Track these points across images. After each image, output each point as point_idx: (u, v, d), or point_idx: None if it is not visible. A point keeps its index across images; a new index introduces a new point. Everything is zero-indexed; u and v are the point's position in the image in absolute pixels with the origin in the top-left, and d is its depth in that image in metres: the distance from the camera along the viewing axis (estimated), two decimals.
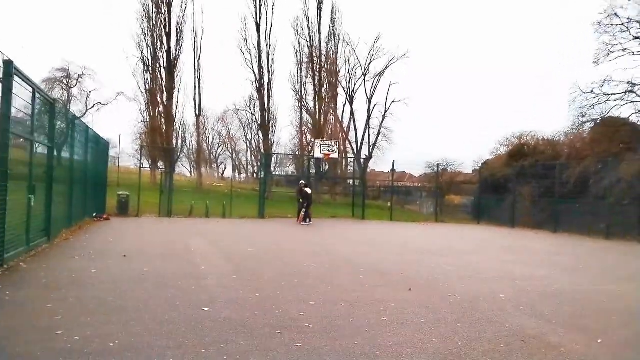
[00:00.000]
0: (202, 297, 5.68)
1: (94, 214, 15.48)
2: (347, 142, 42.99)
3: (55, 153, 9.82)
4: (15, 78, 6.77)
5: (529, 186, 23.72)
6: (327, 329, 4.65)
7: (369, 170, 33.80)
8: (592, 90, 22.39)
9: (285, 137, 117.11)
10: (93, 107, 45.29)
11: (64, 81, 42.59)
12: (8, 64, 6.48)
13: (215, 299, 5.58)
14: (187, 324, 4.60)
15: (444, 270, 8.48)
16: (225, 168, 76.85)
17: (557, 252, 12.54)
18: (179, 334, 4.32)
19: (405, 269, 8.42)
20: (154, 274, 6.90)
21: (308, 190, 18.96)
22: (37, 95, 8.13)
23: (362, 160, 33.49)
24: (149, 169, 37.80)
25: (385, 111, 44.34)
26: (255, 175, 68.19)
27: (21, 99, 7.29)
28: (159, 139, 34.73)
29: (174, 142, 37.06)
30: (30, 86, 7.74)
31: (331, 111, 41.17)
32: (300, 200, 18.80)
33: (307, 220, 18.50)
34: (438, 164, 28.76)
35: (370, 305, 5.63)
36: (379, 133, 44.22)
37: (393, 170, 25.50)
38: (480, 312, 5.61)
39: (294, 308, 5.36)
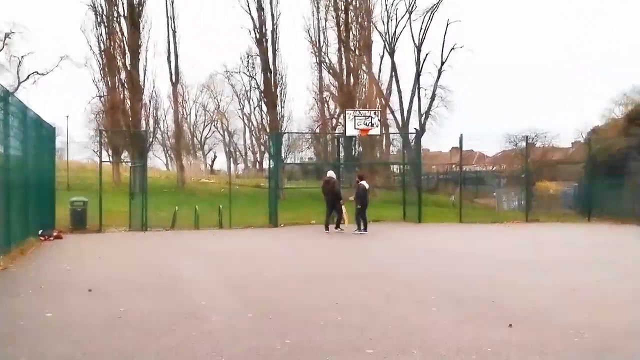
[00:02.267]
0: (207, 348, 5.54)
1: (40, 231, 15.55)
2: (388, 111, 42.60)
3: None
4: None
5: None
6: None
7: (421, 150, 33.19)
8: None
9: (298, 109, 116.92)
10: (27, 78, 46.12)
11: None
12: None
13: (228, 352, 5.43)
14: None
15: (554, 294, 8.25)
16: (216, 157, 77.60)
17: None
18: None
19: (496, 294, 8.22)
20: (136, 316, 6.82)
21: (365, 185, 18.76)
22: None
23: (411, 136, 32.87)
24: (109, 163, 38.25)
25: (442, 63, 43.60)
26: (257, 164, 68.58)
27: None
28: (122, 119, 34.96)
29: (143, 123, 37.32)
30: None
31: (363, 67, 40.82)
32: (357, 200, 18.51)
33: (362, 228, 18.39)
34: (527, 136, 28.06)
35: (456, 354, 5.39)
36: (433, 96, 43.59)
37: (461, 147, 24.70)
38: (624, 358, 5.33)
39: None
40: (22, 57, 44.96)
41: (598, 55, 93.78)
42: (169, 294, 8.33)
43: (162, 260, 12.07)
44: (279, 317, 6.80)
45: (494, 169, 46.24)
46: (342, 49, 39.89)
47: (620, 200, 23.83)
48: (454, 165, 44.62)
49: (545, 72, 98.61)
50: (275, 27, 38.40)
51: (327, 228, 18.77)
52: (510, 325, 6.39)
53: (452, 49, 43.59)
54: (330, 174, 19.64)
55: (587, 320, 6.64)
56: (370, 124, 22.61)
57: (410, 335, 6.02)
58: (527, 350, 5.52)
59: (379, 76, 43.80)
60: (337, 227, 18.90)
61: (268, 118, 39.86)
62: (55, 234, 16.42)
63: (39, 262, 11.48)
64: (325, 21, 41.13)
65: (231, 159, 61.23)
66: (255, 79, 43.91)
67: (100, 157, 24.18)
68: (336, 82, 40.38)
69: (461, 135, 23.19)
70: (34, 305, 7.44)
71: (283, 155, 26.77)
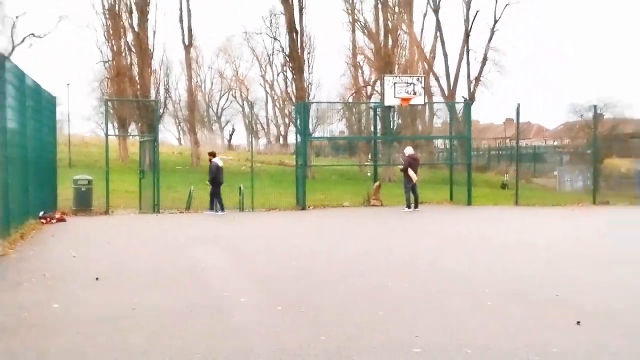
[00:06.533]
0: (233, 346, 5.63)
1: (41, 213, 15.85)
2: (432, 77, 42.32)
3: None
4: None
5: None
6: None
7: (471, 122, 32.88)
8: None
9: (328, 76, 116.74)
10: (23, 41, 46.83)
11: None
12: None
13: (256, 350, 5.51)
14: None
15: (626, 288, 8.23)
16: (234, 130, 78.03)
17: None
18: None
19: (561, 289, 8.15)
20: (150, 309, 6.94)
21: (217, 162, 19.81)
22: None
23: (459, 106, 32.69)
24: (116, 138, 38.71)
25: (496, 21, 43.61)
26: (281, 139, 68.75)
27: None
28: (129, 87, 35.18)
29: (153, 91, 37.53)
30: None
31: (403, 27, 40.56)
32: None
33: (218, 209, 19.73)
34: (595, 106, 27.53)
35: (515, 354, 5.39)
36: (484, 59, 43.59)
37: (517, 118, 24.29)
38: None
39: None
40: (17, 17, 45.59)
41: None
42: (187, 283, 8.51)
43: (177, 247, 12.28)
44: (311, 310, 6.90)
45: (555, 143, 45.81)
46: (379, 5, 39.46)
47: None
48: (508, 140, 44.32)
49: (615, 33, 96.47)
50: None
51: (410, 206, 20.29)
52: (579, 322, 6.33)
53: (507, 5, 43.23)
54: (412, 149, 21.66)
55: None
56: (412, 92, 22.43)
57: (462, 333, 6.03)
58: (599, 350, 5.52)
59: (421, 37, 43.70)
60: (416, 206, 20.46)
61: (294, 86, 39.71)
62: (57, 216, 16.69)
63: (41, 248, 11.76)
64: None
65: (252, 133, 61.18)
66: (279, 41, 44.20)
67: (106, 130, 24.38)
68: (372, 44, 40.09)
69: (518, 105, 22.90)
70: (38, 295, 7.62)
71: (311, 128, 26.75)
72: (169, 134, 64.16)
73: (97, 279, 8.55)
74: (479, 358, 5.29)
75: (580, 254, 11.53)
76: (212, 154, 20.92)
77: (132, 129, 38.37)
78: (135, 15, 36.48)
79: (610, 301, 7.43)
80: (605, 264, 10.32)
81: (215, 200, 19.63)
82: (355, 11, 40.94)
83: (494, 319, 6.60)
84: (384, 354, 5.40)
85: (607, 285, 8.44)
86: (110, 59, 37.79)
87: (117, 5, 36.83)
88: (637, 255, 11.27)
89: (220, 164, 19.96)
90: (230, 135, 76.73)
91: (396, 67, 37.04)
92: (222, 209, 19.56)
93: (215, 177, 19.45)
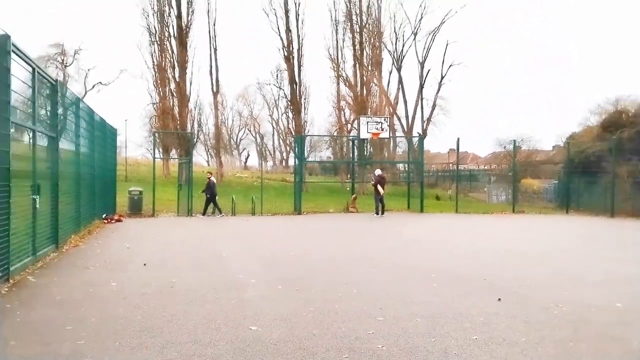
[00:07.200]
0: (246, 312, 5.66)
1: (104, 215, 15.86)
2: (395, 118, 42.72)
3: (60, 144, 9.96)
4: (13, 56, 6.84)
5: (629, 164, 22.79)
6: (405, 352, 4.50)
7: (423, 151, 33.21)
8: None
9: (319, 116, 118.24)
10: (93, 87, 46.94)
11: (59, 59, 44.04)
12: (5, 38, 6.52)
13: (262, 315, 5.55)
14: (233, 348, 4.54)
15: (538, 274, 8.23)
16: (249, 155, 78.30)
17: None
18: None
19: (488, 274, 8.19)
20: (184, 286, 6.95)
21: (213, 180, 19.96)
22: (37, 75, 8.22)
23: (415, 139, 32.95)
24: (161, 160, 38.72)
25: (442, 77, 43.95)
26: (283, 162, 69.21)
27: (20, 80, 7.38)
28: (171, 123, 35.22)
29: (189, 126, 37.56)
30: (30, 65, 7.83)
31: (374, 80, 40.87)
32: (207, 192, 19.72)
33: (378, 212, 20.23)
34: (514, 140, 27.93)
35: (452, 321, 5.44)
36: (434, 105, 43.92)
37: (458, 149, 24.71)
38: (596, 327, 5.35)
39: (359, 325, 5.24)
40: (89, 70, 45.75)
41: (578, 70, 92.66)
42: (213, 268, 8.50)
43: (205, 241, 12.30)
44: (303, 288, 6.90)
45: (485, 168, 46.15)
46: (357, 65, 39.79)
47: (593, 195, 23.57)
48: (451, 164, 44.48)
49: (531, 85, 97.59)
50: (300, 46, 38.62)
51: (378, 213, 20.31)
52: (500, 299, 6.41)
53: (451, 65, 43.83)
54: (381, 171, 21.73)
55: (565, 296, 6.63)
56: (380, 129, 22.64)
57: (415, 306, 6.07)
58: (513, 319, 5.56)
59: (387, 88, 44.15)
60: (383, 213, 20.41)
61: (293, 123, 40.08)
62: (116, 217, 16.70)
63: (104, 241, 11.73)
64: (343, 41, 41.13)
65: (262, 158, 61.30)
66: (283, 90, 44.75)
67: (153, 154, 24.55)
68: (351, 93, 40.44)
69: (458, 139, 23.18)
70: (101, 276, 7.63)
71: (306, 154, 26.81)
72: (200, 157, 64.39)
73: (144, 264, 8.59)
74: (428, 323, 5.35)
75: (501, 248, 11.50)
76: (210, 173, 21.33)
77: (173, 153, 38.29)
78: (177, 69, 36.52)
79: (524, 280, 7.45)
80: (519, 255, 10.29)
81: (213, 206, 19.68)
82: (339, 68, 41.23)
83: (439, 297, 6.62)
84: (356, 320, 5.43)
85: (521, 269, 8.46)
86: (158, 101, 37.68)
87: (163, 62, 36.84)
88: (542, 248, 11.28)
89: (215, 180, 20.26)
90: (246, 159, 77.10)
91: (369, 110, 37.31)
92: (220, 212, 19.64)
93: (213, 191, 19.67)
